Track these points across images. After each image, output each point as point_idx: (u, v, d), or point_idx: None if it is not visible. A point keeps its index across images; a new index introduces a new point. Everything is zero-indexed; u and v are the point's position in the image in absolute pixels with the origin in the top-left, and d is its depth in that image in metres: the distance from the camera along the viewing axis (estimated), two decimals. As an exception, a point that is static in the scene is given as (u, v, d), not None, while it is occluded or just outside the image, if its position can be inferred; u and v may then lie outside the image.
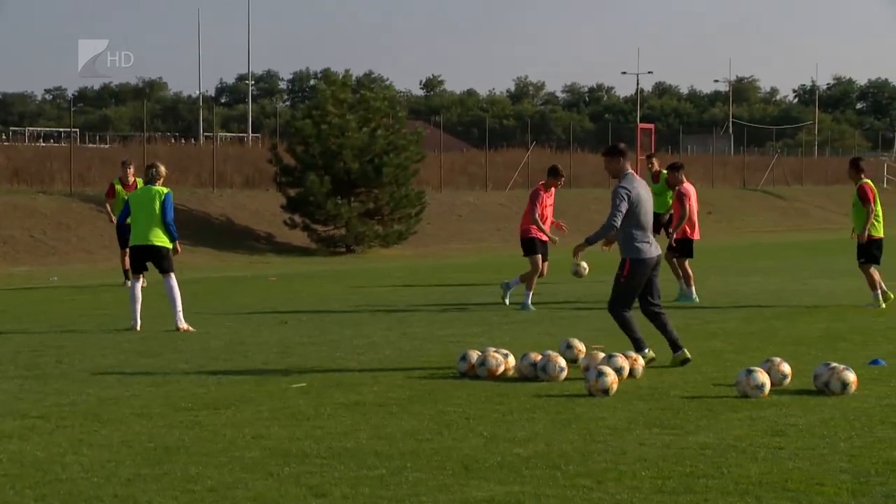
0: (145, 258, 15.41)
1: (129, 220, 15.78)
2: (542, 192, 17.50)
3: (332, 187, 35.97)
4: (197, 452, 7.89)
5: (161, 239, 15.27)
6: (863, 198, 17.04)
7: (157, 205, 15.21)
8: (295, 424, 8.81)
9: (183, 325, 15.06)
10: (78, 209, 34.72)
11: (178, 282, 15.26)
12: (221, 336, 14.37)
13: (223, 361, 12.20)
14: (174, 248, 15.48)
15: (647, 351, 11.34)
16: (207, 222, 37.78)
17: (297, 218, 36.67)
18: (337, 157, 36.16)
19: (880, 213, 17.20)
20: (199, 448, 8.02)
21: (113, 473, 7.32)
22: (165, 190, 15.35)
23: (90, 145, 62.53)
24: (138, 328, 15.08)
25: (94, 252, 31.65)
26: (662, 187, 19.72)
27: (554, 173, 17.59)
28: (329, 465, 7.49)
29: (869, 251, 17.08)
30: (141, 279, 15.72)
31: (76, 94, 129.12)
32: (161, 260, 15.32)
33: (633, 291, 11.41)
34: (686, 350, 11.55)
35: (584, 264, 17.88)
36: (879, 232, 17.13)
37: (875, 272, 17.12)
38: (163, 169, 15.61)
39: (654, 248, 11.54)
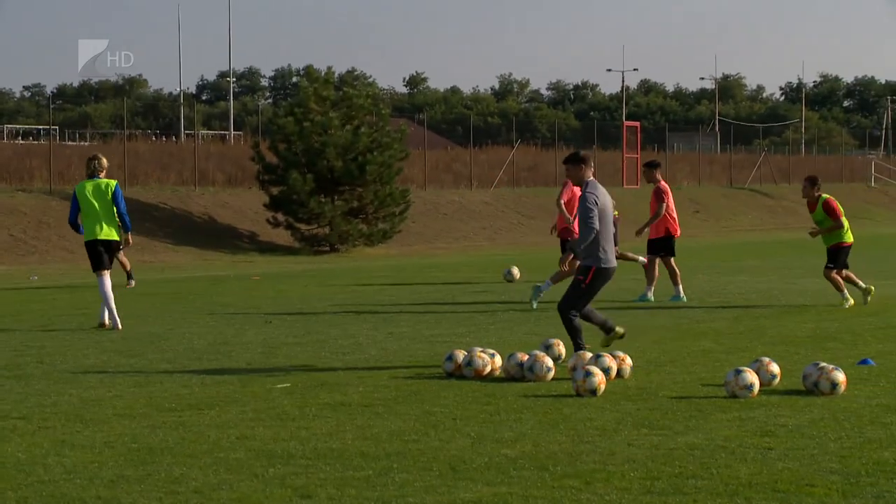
0: (103, 251, 15.24)
1: (80, 217, 15.47)
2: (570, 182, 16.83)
3: (315, 185, 35.87)
4: (181, 453, 7.81)
5: (116, 233, 15.22)
6: (832, 213, 17.13)
7: (109, 197, 15.09)
8: (280, 425, 8.73)
9: (107, 322, 15.00)
10: (58, 207, 34.53)
11: (158, 281, 15.15)
12: (205, 336, 14.27)
13: (207, 361, 12.10)
14: (126, 241, 15.40)
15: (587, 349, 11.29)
16: (190, 221, 37.67)
17: (281, 216, 36.56)
18: (320, 154, 36.05)
19: (846, 221, 17.37)
20: (184, 449, 7.94)
21: (96, 475, 7.23)
22: (114, 182, 15.25)
23: (70, 143, 62.42)
24: (119, 327, 14.95)
25: (75, 251, 31.44)
26: None
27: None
28: (314, 466, 7.41)
29: (839, 257, 17.21)
30: (108, 275, 15.37)
31: (55, 90, 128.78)
32: (112, 254, 15.28)
33: (589, 297, 11.41)
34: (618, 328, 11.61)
35: (516, 270, 17.73)
36: (849, 238, 17.33)
37: (837, 276, 17.21)
38: (105, 161, 15.47)
39: (614, 258, 11.53)
